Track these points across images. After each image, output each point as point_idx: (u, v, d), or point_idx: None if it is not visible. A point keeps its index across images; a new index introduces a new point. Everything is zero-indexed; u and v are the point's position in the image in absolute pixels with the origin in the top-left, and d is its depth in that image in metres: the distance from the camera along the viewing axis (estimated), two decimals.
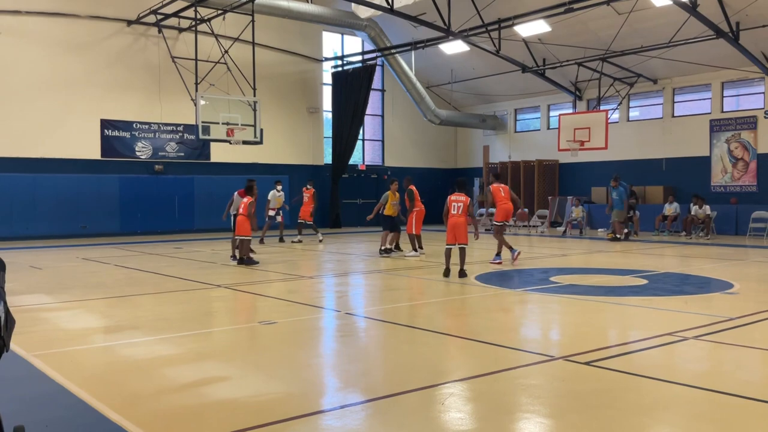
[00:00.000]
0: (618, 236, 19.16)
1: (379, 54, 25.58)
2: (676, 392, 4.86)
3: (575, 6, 18.53)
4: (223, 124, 19.03)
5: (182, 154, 23.03)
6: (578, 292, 9.61)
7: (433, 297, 9.56)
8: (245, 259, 13.34)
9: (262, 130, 19.91)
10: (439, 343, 6.55)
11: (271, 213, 18.98)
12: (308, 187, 19.40)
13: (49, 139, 20.49)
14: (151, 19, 21.57)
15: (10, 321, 2.87)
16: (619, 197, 19.19)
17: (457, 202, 11.34)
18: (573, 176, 25.92)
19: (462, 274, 11.16)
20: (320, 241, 19.11)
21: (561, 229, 22.33)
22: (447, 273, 11.24)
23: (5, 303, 2.89)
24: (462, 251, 11.35)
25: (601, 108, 23.03)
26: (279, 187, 19.06)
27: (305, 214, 19.18)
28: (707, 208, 20.14)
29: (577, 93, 25.48)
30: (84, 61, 21.08)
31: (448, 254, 11.40)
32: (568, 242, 19.14)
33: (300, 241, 19.02)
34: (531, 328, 7.54)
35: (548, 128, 27.11)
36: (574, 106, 25.52)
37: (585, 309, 8.43)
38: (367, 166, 28.12)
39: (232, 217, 14.54)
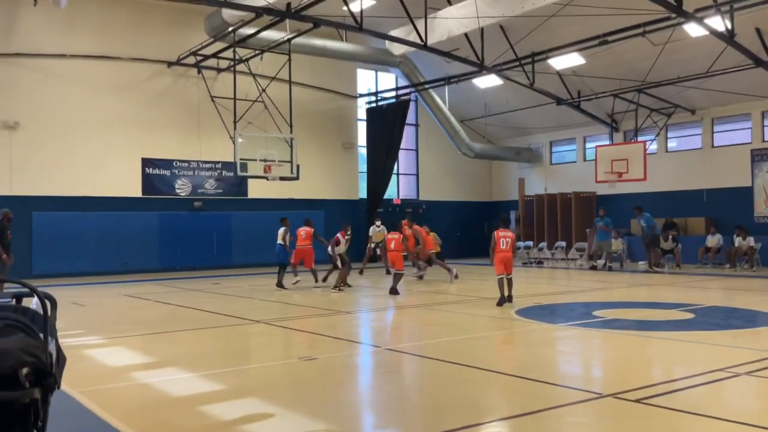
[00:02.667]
0: (594, 265, 20.53)
1: (412, 89, 25.76)
2: (730, 431, 4.66)
3: (610, 39, 18.48)
4: (260, 160, 19.29)
5: (220, 190, 23.37)
6: (623, 326, 9.38)
7: (473, 332, 9.42)
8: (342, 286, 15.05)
9: (298, 166, 20.12)
10: (482, 380, 6.42)
11: (371, 245, 20.47)
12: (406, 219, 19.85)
13: (93, 178, 20.99)
14: (191, 60, 22.13)
15: (61, 358, 2.89)
16: (606, 226, 20.67)
17: (505, 237, 12.10)
18: (611, 208, 25.53)
19: (510, 299, 11.98)
20: (420, 277, 18.07)
21: (601, 262, 21.96)
22: (502, 301, 11.90)
23: (57, 341, 2.92)
24: (510, 281, 12.11)
25: (639, 139, 22.76)
26: (378, 223, 20.60)
27: (432, 246, 18.78)
28: (751, 240, 19.62)
29: (614, 124, 25.26)
30: (126, 101, 21.67)
31: (501, 283, 12.08)
32: (609, 275, 18.79)
33: (459, 275, 18.13)
34: (576, 364, 7.36)
35: (584, 160, 26.86)
36: (611, 138, 25.27)
37: (631, 344, 8.22)
38: (401, 200, 28.17)
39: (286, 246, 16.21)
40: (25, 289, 2.98)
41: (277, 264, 16.35)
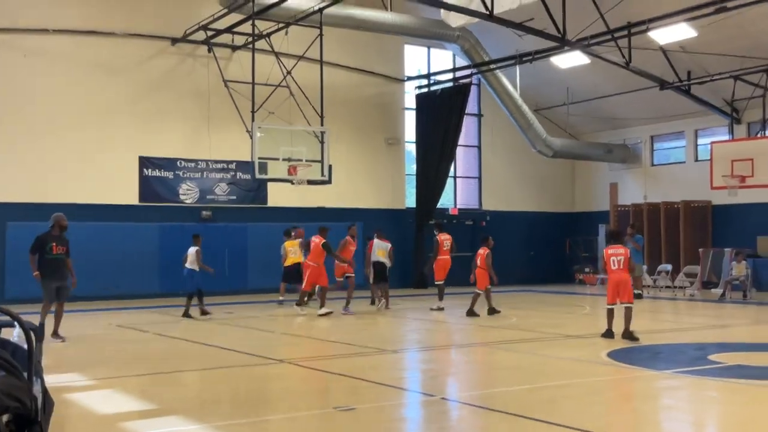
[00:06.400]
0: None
1: (474, 71, 25.70)
2: None
3: (729, 4, 18.19)
4: (283, 159, 19.47)
5: (234, 197, 23.65)
6: (749, 375, 9.21)
7: (553, 378, 9.32)
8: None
9: (330, 166, 20.26)
10: None
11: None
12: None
13: (79, 181, 21.38)
14: (200, 35, 22.47)
15: (48, 403, 2.96)
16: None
17: (615, 255, 12.05)
18: (731, 222, 25.04)
19: (628, 335, 11.83)
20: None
21: (717, 291, 21.57)
22: (609, 334, 12.05)
23: (43, 381, 2.99)
24: (628, 310, 11.93)
25: (767, 133, 22.38)
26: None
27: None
28: None
29: (734, 114, 24.86)
30: (120, 87, 22.09)
31: (610, 315, 12.14)
32: (729, 309, 18.47)
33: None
34: (685, 423, 7.22)
35: (696, 160, 26.47)
36: (731, 132, 24.88)
37: (759, 398, 8.06)
38: (459, 210, 28.08)
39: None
40: (5, 317, 3.04)
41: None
